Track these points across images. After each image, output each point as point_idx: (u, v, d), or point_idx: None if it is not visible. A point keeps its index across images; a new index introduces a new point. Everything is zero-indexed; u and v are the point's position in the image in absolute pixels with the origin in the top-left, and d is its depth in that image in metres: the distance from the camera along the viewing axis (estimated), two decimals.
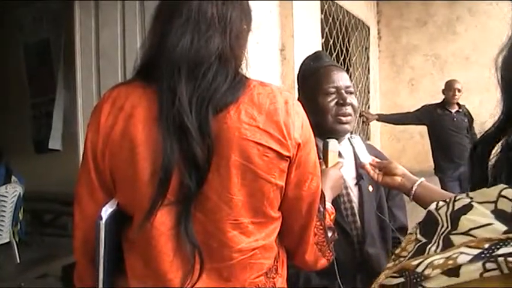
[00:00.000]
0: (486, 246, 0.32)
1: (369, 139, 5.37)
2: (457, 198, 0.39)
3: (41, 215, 4.66)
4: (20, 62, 5.12)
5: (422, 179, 1.23)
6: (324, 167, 1.23)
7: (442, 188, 3.54)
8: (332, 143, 1.28)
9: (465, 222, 0.36)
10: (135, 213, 0.89)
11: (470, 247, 0.33)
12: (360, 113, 4.65)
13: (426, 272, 0.33)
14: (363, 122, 4.89)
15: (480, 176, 0.41)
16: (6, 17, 4.94)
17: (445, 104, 4.28)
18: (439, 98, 4.38)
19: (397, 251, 0.41)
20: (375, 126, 5.57)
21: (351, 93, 1.38)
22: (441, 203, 0.39)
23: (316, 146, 0.99)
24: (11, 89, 5.15)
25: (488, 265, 0.31)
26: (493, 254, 0.31)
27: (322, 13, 3.81)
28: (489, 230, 0.34)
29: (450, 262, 0.33)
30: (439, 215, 0.39)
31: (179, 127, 0.83)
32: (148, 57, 0.92)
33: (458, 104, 4.28)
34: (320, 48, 3.53)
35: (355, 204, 1.37)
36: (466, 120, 4.26)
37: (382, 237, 1.38)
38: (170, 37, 0.86)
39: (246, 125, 0.85)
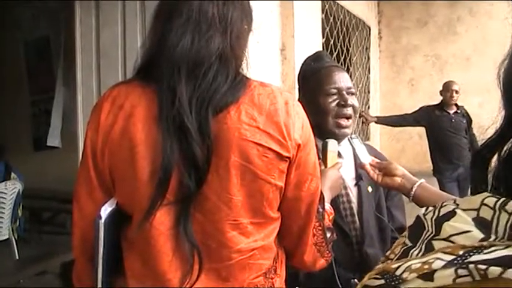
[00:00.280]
0: (460, 253, 0.33)
1: (368, 139, 5.38)
2: (444, 204, 0.40)
3: (39, 213, 4.66)
4: (19, 59, 5.12)
5: (422, 180, 1.23)
6: (323, 167, 1.23)
7: (440, 189, 3.54)
8: (331, 143, 1.27)
9: (447, 228, 0.37)
10: (134, 213, 0.89)
11: (446, 253, 0.34)
12: (360, 114, 4.66)
13: (404, 275, 0.34)
14: (363, 122, 4.89)
15: (481, 184, 0.41)
16: (6, 14, 4.94)
17: (443, 105, 4.28)
18: (439, 98, 4.39)
19: (387, 253, 0.42)
20: (375, 127, 5.58)
21: (352, 94, 1.38)
22: (430, 209, 0.40)
23: (316, 146, 0.99)
24: (10, 87, 5.14)
25: (460, 271, 0.32)
26: (465, 261, 0.32)
27: (323, 13, 3.81)
28: (467, 237, 0.35)
29: (426, 267, 0.33)
30: (426, 220, 0.39)
31: (179, 127, 0.83)
32: (148, 56, 0.91)
33: (456, 105, 4.28)
34: (320, 48, 3.53)
35: (354, 205, 1.36)
36: (464, 121, 4.26)
37: (381, 237, 1.38)
38: (170, 37, 0.86)
39: (246, 126, 0.85)
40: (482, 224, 0.36)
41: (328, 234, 1.04)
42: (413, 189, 1.21)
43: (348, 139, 1.39)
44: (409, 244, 0.39)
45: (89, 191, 0.91)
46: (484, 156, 0.41)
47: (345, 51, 4.65)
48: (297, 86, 1.53)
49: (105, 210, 0.88)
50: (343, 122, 1.34)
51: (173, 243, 0.86)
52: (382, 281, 0.35)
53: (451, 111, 4.25)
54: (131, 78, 0.95)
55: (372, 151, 1.44)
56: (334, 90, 1.35)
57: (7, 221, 3.59)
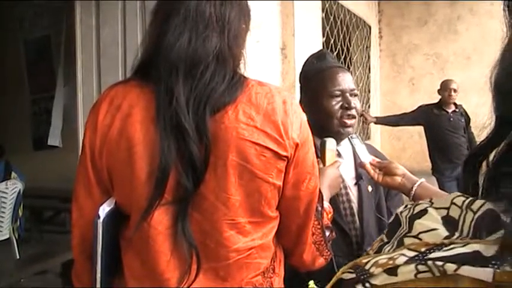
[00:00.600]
0: (423, 250, 0.34)
1: (369, 138, 5.38)
2: (419, 203, 0.41)
3: (40, 212, 4.67)
4: (19, 58, 5.12)
5: (423, 179, 1.23)
6: (321, 165, 1.22)
7: (439, 188, 3.54)
8: (330, 141, 1.27)
9: (417, 226, 0.38)
10: (132, 213, 0.89)
11: (410, 249, 0.35)
12: (360, 113, 4.65)
13: (371, 270, 0.36)
14: (363, 122, 4.89)
15: (471, 189, 0.42)
16: (6, 13, 4.94)
17: (441, 104, 4.26)
18: (439, 97, 4.38)
19: (368, 249, 0.43)
20: (375, 126, 5.57)
21: (355, 95, 1.36)
22: (408, 206, 0.42)
23: (314, 144, 0.99)
24: (10, 86, 5.15)
25: (420, 267, 0.33)
26: (425, 257, 0.33)
27: (323, 12, 3.80)
28: (433, 235, 0.37)
29: (390, 262, 0.35)
30: (402, 217, 0.41)
31: (176, 127, 0.83)
32: (146, 56, 0.91)
33: (455, 103, 4.26)
34: (321, 47, 3.52)
35: (354, 204, 1.36)
36: (462, 120, 4.25)
37: None
38: (168, 36, 0.86)
39: (243, 125, 0.85)
40: (449, 222, 0.37)
41: (327, 233, 1.04)
42: (414, 189, 1.21)
43: (348, 138, 1.38)
44: (385, 240, 0.41)
45: (88, 190, 0.92)
46: (475, 161, 0.42)
47: (345, 50, 4.64)
48: (297, 85, 1.52)
49: (104, 210, 0.89)
50: (348, 120, 1.34)
51: (171, 242, 0.86)
52: (354, 275, 0.37)
53: (450, 110, 4.23)
54: (129, 77, 0.95)
55: (372, 150, 1.43)
56: (338, 92, 1.33)
57: (8, 221, 3.59)
